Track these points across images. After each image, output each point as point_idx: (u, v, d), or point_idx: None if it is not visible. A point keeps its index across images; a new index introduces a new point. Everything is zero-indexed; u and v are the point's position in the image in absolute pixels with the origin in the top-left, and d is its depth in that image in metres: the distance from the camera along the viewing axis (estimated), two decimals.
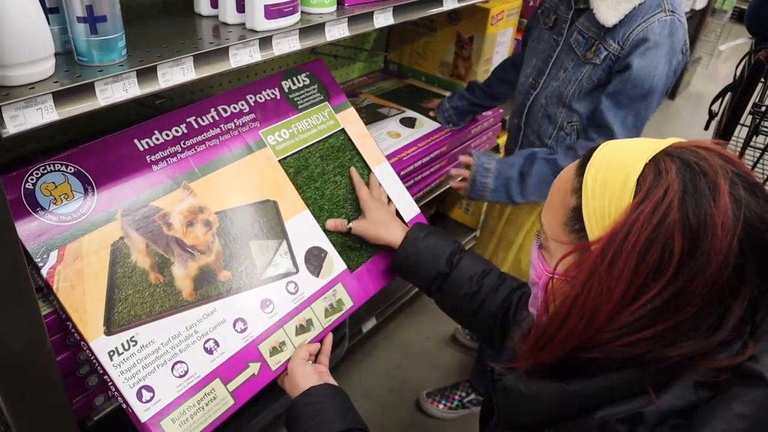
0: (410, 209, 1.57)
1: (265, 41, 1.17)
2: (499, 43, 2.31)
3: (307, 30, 1.24)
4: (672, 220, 0.66)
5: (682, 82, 5.34)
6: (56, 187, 1.11)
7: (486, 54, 2.26)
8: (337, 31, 1.30)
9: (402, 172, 1.84)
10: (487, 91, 1.99)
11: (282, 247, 1.34)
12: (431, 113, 2.09)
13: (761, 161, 1.73)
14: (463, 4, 1.68)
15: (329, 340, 1.33)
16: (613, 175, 0.72)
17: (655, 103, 1.46)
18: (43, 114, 0.88)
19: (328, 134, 1.53)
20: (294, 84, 1.54)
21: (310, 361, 1.26)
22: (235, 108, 1.40)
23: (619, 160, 0.73)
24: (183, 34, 1.15)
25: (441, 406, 2.19)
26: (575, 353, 0.73)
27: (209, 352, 1.16)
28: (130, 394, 1.06)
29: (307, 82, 1.57)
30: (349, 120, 1.59)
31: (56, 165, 1.12)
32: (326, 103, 1.57)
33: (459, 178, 1.66)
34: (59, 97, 0.89)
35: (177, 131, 1.29)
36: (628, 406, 0.70)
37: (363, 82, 2.34)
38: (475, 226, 2.72)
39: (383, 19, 1.40)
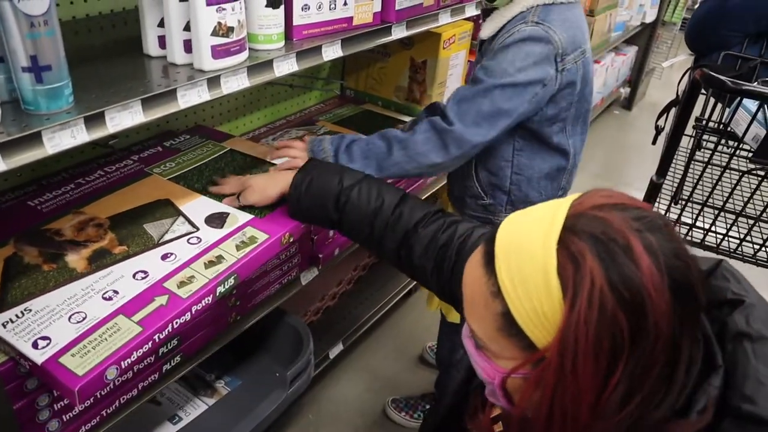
0: None
1: (214, 80, 1.19)
2: (452, 66, 2.35)
3: (256, 67, 1.27)
4: (610, 304, 0.65)
5: (638, 93, 5.48)
6: None
7: (440, 77, 2.30)
8: (286, 67, 1.32)
9: None
10: None
11: (178, 219, 1.40)
12: None
13: (707, 170, 1.79)
14: (412, 32, 1.72)
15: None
16: (529, 271, 0.70)
17: (501, 101, 1.41)
18: None
19: (217, 155, 1.67)
20: (175, 141, 1.73)
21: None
22: (120, 164, 1.58)
23: (528, 252, 0.71)
24: (132, 75, 1.17)
25: (403, 414, 2.26)
26: None
27: (108, 299, 1.17)
28: (25, 347, 1.05)
29: (188, 136, 1.75)
30: (237, 143, 1.75)
31: None
32: (209, 140, 1.74)
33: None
34: (6, 148, 0.90)
35: (65, 189, 1.46)
36: None
37: (320, 109, 2.36)
38: None
39: (332, 52, 1.43)
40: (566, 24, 1.42)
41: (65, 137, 0.97)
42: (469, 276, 0.79)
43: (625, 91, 5.35)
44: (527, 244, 0.71)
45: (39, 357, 1.04)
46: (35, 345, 1.06)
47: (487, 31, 1.53)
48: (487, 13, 1.55)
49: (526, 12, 1.43)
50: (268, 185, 1.41)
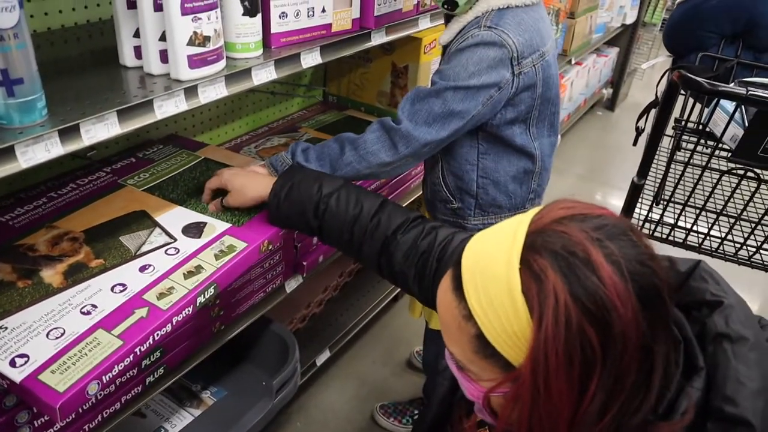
0: None
1: (191, 90, 1.18)
2: (434, 71, 2.35)
3: (234, 76, 1.26)
4: (576, 319, 0.66)
5: (621, 94, 5.51)
6: None
7: (421, 82, 2.30)
8: (264, 75, 1.32)
9: None
10: None
11: (155, 231, 1.39)
12: None
13: (687, 173, 1.80)
14: (392, 37, 1.72)
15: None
16: (495, 293, 0.70)
17: (453, 103, 1.40)
18: None
19: (191, 164, 1.66)
20: (148, 151, 1.71)
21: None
22: (92, 176, 1.56)
23: (492, 273, 0.71)
24: (108, 87, 1.16)
25: (391, 419, 2.26)
26: None
27: (87, 313, 1.16)
28: (2, 365, 1.03)
29: (161, 146, 1.73)
30: (211, 152, 1.74)
31: None
32: (183, 150, 1.72)
33: None
34: None
35: (37, 203, 1.44)
36: None
37: (302, 116, 2.35)
38: None
39: (311, 59, 1.43)
40: (521, 27, 1.41)
41: (39, 151, 0.96)
42: (441, 301, 0.79)
43: (607, 92, 5.39)
44: (491, 266, 0.72)
45: (17, 375, 1.02)
46: (13, 363, 1.04)
47: (445, 36, 1.53)
48: (448, 19, 1.55)
49: (480, 17, 1.43)
50: (247, 187, 1.39)
